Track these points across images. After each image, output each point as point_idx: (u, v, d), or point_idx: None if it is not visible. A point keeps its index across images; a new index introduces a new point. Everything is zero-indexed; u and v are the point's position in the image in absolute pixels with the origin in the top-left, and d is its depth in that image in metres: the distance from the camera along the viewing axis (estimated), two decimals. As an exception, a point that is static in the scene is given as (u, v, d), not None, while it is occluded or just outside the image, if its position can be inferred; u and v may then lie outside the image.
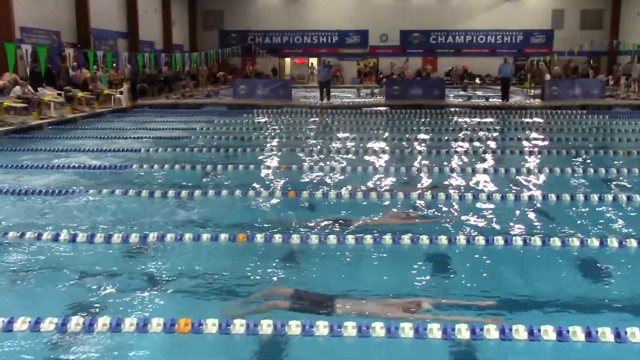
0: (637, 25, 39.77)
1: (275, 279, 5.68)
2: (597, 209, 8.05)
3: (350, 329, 4.41)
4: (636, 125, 17.81)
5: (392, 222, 7.52)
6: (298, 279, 5.66)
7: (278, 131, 16.64)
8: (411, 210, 7.99)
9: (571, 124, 18.20)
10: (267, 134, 16.04)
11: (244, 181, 9.74)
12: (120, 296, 5.22)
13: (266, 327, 4.45)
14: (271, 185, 9.65)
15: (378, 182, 9.87)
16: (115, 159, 11.85)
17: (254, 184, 9.43)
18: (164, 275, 5.70)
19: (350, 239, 6.56)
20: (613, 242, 6.43)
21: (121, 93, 22.72)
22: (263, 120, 19.51)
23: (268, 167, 11.12)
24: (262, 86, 26.63)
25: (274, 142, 14.44)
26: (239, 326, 4.46)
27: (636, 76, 29.85)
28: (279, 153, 12.77)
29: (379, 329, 4.39)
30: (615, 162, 11.69)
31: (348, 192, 8.86)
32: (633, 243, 6.42)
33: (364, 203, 8.43)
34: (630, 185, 9.71)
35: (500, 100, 25.26)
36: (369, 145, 13.83)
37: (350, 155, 12.40)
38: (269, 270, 5.88)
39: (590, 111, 21.23)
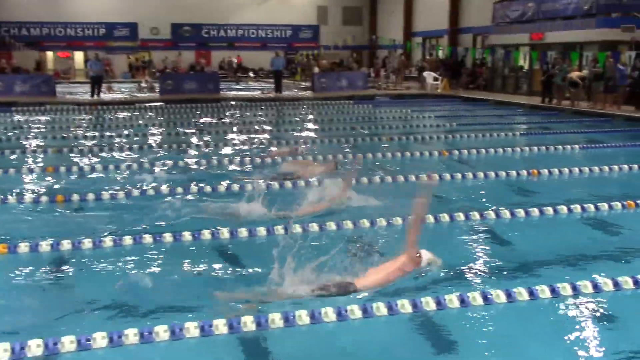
0: (392, 21, 43.45)
1: None
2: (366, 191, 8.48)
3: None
4: (396, 112, 19.45)
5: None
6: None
7: (42, 131, 15.27)
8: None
9: (340, 114, 19.29)
10: (28, 134, 14.63)
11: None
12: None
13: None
14: (35, 190, 8.77)
15: (156, 180, 9.48)
16: None
17: (15, 189, 8.51)
18: None
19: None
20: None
21: None
22: (23, 119, 17.81)
23: (31, 171, 10.13)
24: (20, 82, 24.34)
25: (37, 143, 13.21)
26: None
27: (394, 67, 32.63)
28: (44, 155, 11.72)
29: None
30: (381, 147, 12.61)
31: (124, 193, 8.38)
32: (399, 220, 6.94)
33: (143, 203, 8.03)
34: (393, 168, 10.51)
35: (274, 92, 25.94)
36: (145, 141, 13.30)
37: (125, 154, 11.79)
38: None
39: (356, 101, 22.69)
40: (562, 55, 21.32)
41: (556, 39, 23.96)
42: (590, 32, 22.23)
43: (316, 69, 28.65)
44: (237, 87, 31.98)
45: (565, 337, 4.41)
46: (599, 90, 19.37)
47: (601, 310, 4.85)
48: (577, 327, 4.62)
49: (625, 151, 12.25)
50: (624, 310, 4.89)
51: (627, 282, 5.14)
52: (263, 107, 21.27)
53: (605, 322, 4.73)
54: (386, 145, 12.97)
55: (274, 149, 12.25)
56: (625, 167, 10.26)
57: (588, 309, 4.85)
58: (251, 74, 40.10)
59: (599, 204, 7.67)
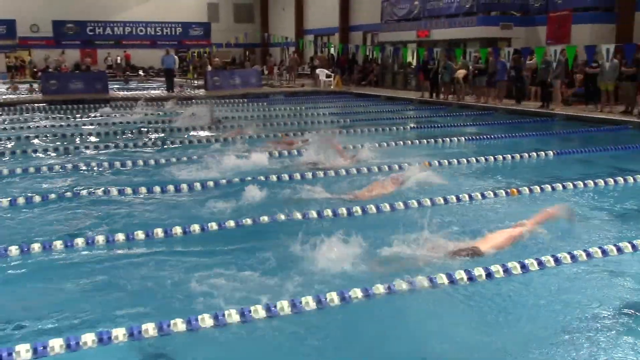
0: (284, 19, 43.57)
1: None
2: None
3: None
4: (290, 109, 19.53)
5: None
6: None
7: None
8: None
9: (235, 112, 19.10)
10: None
11: None
12: None
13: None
14: None
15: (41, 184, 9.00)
16: None
17: None
18: None
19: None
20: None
21: None
22: None
23: None
24: None
25: None
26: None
27: (287, 65, 32.72)
28: None
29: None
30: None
31: None
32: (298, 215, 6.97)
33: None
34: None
35: (166, 91, 25.33)
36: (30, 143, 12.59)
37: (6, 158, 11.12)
38: None
39: (250, 99, 22.57)
40: (446, 52, 22.23)
41: (441, 36, 24.95)
42: (472, 30, 23.35)
43: (209, 67, 28.20)
44: (128, 86, 30.91)
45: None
46: (482, 85, 20.34)
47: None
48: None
49: (508, 142, 12.93)
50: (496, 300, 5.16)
51: (515, 267, 5.43)
52: (154, 106, 20.68)
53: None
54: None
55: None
56: (508, 156, 10.84)
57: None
58: (141, 73, 38.93)
59: (485, 193, 8.07)
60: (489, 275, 5.23)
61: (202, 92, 25.65)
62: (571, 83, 18.89)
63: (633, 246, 5.93)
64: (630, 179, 8.89)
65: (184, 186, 8.57)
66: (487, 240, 5.99)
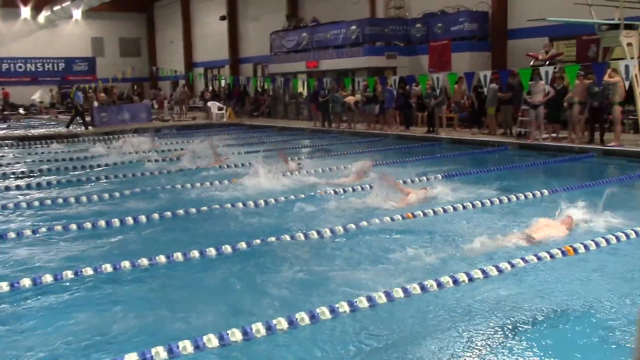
0: (172, 52, 43.10)
1: None
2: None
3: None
4: (182, 143, 19.16)
5: None
6: None
7: None
8: None
9: (124, 147, 18.48)
10: None
11: None
12: None
13: None
14: None
15: None
16: None
17: None
18: None
19: None
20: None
21: None
22: None
23: None
24: None
25: None
26: None
27: (177, 98, 32.27)
28: None
29: None
30: (169, 179, 12.30)
31: None
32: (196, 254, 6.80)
33: None
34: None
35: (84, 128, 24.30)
36: None
37: None
38: None
39: (141, 134, 21.96)
40: (336, 81, 22.76)
41: (330, 67, 25.54)
42: (359, 60, 24.08)
43: (95, 103, 27.22)
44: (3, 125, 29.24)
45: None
46: (373, 113, 20.92)
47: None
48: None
49: (397, 167, 13.31)
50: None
51: (415, 288, 5.54)
52: (38, 146, 19.68)
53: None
54: (178, 177, 12.71)
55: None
56: (400, 181, 11.15)
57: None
58: (21, 111, 36.98)
59: (386, 217, 8.25)
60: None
61: (90, 129, 24.68)
62: (461, 108, 19.73)
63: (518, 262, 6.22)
64: (513, 197, 9.38)
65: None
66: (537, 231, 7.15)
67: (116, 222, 8.43)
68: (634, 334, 3.29)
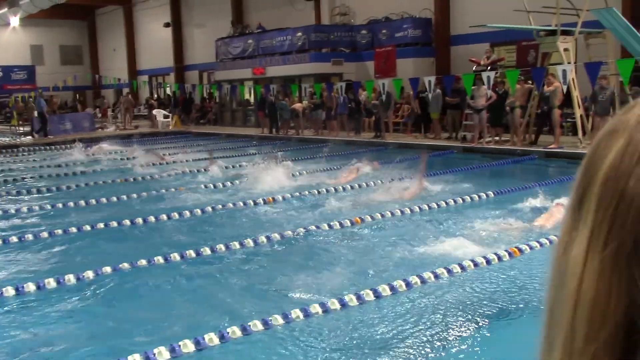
0: (115, 60, 42.29)
1: None
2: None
3: None
4: (125, 152, 18.76)
5: None
6: None
7: None
8: None
9: (68, 157, 18.04)
10: None
11: None
12: None
13: None
14: None
15: None
16: None
17: None
18: None
19: None
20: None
21: None
22: None
23: None
24: None
25: None
26: None
27: (122, 107, 31.64)
28: None
29: None
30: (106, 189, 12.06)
31: None
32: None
33: None
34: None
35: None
36: None
37: None
38: None
39: (85, 143, 21.38)
40: (283, 88, 22.75)
41: (277, 73, 25.52)
42: (305, 66, 24.14)
43: (35, 113, 26.43)
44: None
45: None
46: (319, 119, 21.01)
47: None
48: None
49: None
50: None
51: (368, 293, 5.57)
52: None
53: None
54: (119, 187, 12.45)
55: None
56: (348, 186, 11.25)
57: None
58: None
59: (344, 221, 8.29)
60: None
61: (29, 139, 23.99)
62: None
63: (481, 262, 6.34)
64: (459, 200, 9.56)
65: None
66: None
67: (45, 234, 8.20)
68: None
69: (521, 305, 5.35)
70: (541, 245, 6.87)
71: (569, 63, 14.39)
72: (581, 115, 14.79)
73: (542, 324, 0.66)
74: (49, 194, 11.87)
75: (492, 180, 12.01)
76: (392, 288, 5.62)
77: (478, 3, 20.88)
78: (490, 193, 9.92)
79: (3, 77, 38.94)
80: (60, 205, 10.29)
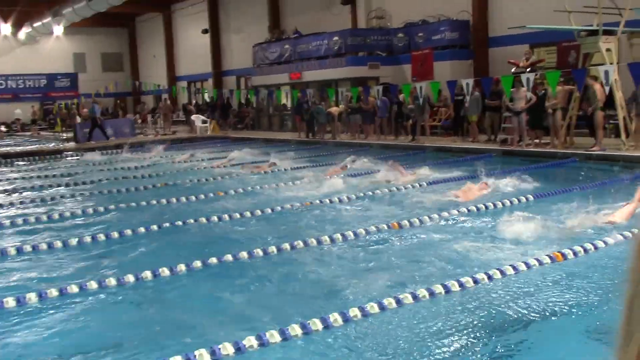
0: (155, 67, 43.02)
1: None
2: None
3: None
4: (169, 156, 19.08)
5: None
6: None
7: None
8: None
9: (108, 163, 18.44)
10: None
11: None
12: None
13: None
14: None
15: None
16: None
17: None
18: None
19: None
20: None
21: None
22: None
23: None
24: None
25: None
26: None
27: (162, 112, 32.09)
28: None
29: None
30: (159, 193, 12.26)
31: None
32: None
33: None
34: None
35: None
36: None
37: None
38: None
39: (125, 149, 21.85)
40: (319, 92, 22.80)
41: (313, 78, 25.61)
42: (342, 70, 24.16)
43: (78, 119, 27.08)
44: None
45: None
46: (357, 123, 21.02)
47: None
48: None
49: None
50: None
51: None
52: (21, 164, 19.53)
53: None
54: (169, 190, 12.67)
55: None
56: (386, 190, 11.24)
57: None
58: (2, 128, 36.69)
59: (368, 228, 8.28)
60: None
61: (72, 144, 24.54)
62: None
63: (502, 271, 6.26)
64: (499, 204, 9.45)
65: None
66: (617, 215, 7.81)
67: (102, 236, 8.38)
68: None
69: (565, 310, 5.26)
70: (585, 251, 6.74)
71: (611, 64, 14.10)
72: (624, 117, 14.47)
73: (620, 318, 0.65)
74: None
75: (532, 184, 11.82)
76: (431, 293, 5.61)
77: (517, 4, 20.62)
78: (530, 196, 9.78)
79: (47, 84, 40.08)
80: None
